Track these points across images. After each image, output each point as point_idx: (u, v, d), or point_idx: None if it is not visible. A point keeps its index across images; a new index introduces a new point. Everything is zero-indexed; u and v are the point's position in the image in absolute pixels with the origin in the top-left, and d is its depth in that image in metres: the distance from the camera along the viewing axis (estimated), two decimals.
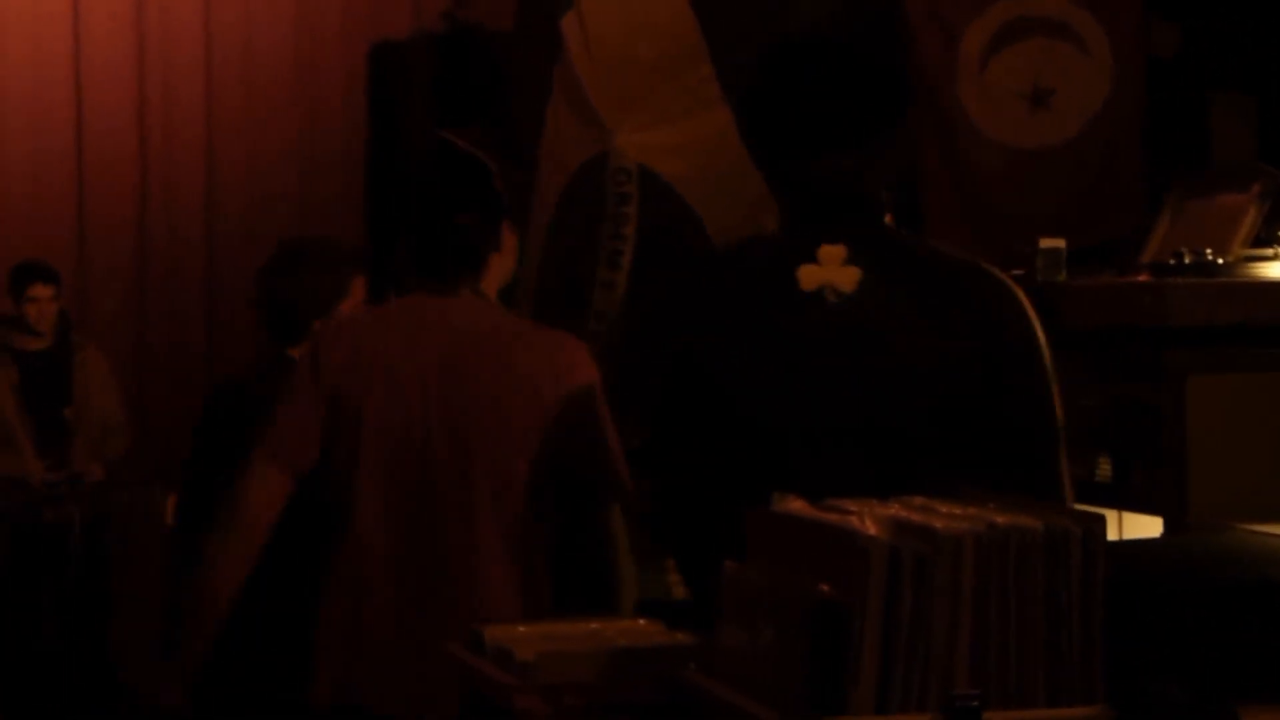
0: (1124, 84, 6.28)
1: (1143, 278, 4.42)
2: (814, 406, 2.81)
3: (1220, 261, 4.39)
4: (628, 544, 3.61)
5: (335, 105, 8.82)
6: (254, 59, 8.89)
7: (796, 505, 2.28)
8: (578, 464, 3.68)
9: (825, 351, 2.82)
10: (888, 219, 2.94)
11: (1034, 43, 6.28)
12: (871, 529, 2.12)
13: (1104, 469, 4.33)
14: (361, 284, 4.97)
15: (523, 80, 7.01)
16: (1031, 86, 6.26)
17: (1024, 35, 6.32)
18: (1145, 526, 4.21)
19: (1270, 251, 4.49)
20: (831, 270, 2.83)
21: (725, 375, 2.86)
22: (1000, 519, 2.13)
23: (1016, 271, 4.48)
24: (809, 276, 2.83)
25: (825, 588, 2.08)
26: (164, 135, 8.84)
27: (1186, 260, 4.38)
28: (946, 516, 2.16)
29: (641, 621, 2.71)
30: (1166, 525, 4.15)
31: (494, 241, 3.74)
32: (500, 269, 3.78)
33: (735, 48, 6.52)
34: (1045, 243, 4.50)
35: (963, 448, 2.79)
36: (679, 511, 3.03)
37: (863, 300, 2.81)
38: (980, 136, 6.27)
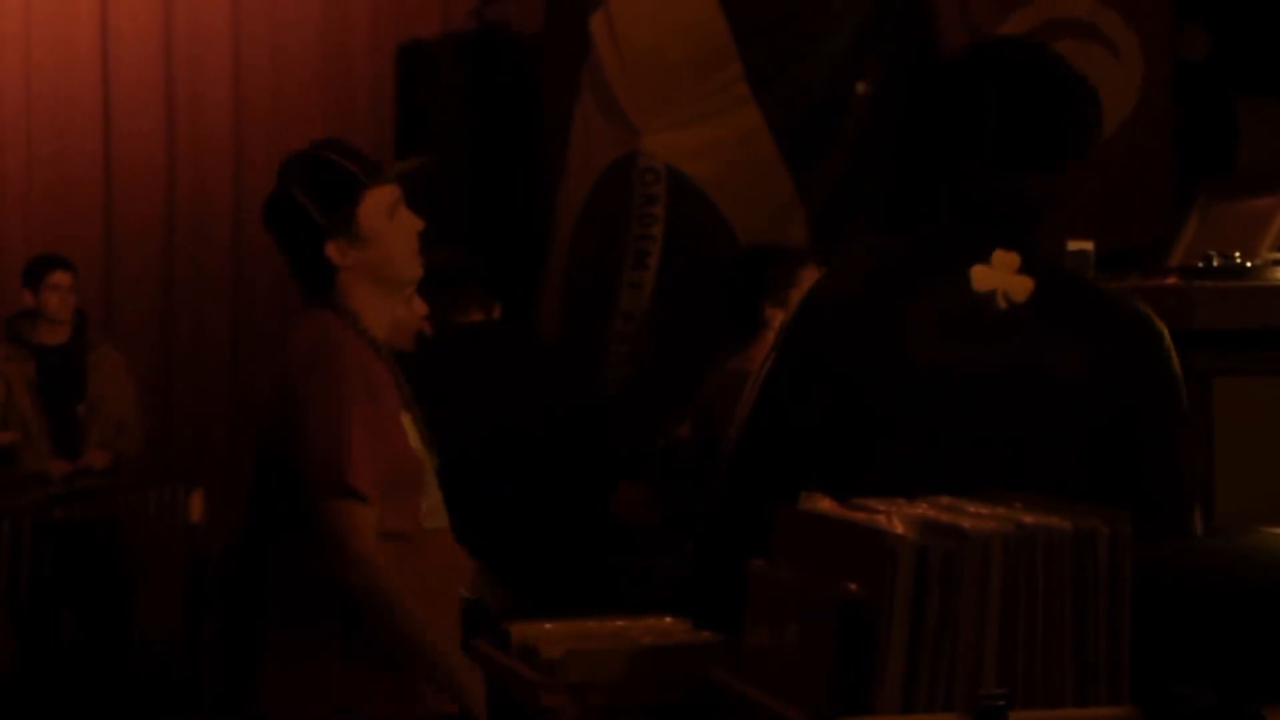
0: (1153, 87, 6.27)
1: (1170, 280, 4.41)
2: (963, 408, 2.77)
3: (1248, 265, 4.38)
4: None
5: (363, 106, 8.83)
6: (282, 60, 8.91)
7: (824, 504, 2.28)
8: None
9: (987, 356, 2.78)
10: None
11: (1063, 45, 6.23)
12: (899, 528, 2.12)
13: None
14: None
15: (551, 80, 7.03)
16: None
17: (1054, 37, 6.30)
18: None
19: None
20: (1005, 276, 2.79)
21: (877, 372, 2.80)
22: (1028, 518, 2.12)
23: None
24: (982, 277, 2.79)
25: (852, 586, 2.09)
26: (192, 136, 8.86)
27: (1214, 263, 4.37)
28: (974, 516, 2.16)
29: (668, 619, 2.71)
30: None
31: (322, 262, 3.71)
32: (357, 282, 3.74)
33: (765, 48, 6.52)
34: (1074, 244, 4.48)
35: (1092, 483, 2.76)
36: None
37: (1032, 312, 2.78)
38: None
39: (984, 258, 2.79)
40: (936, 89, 2.94)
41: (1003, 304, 2.78)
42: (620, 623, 2.70)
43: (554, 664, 2.47)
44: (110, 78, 8.75)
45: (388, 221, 3.70)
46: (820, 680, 2.09)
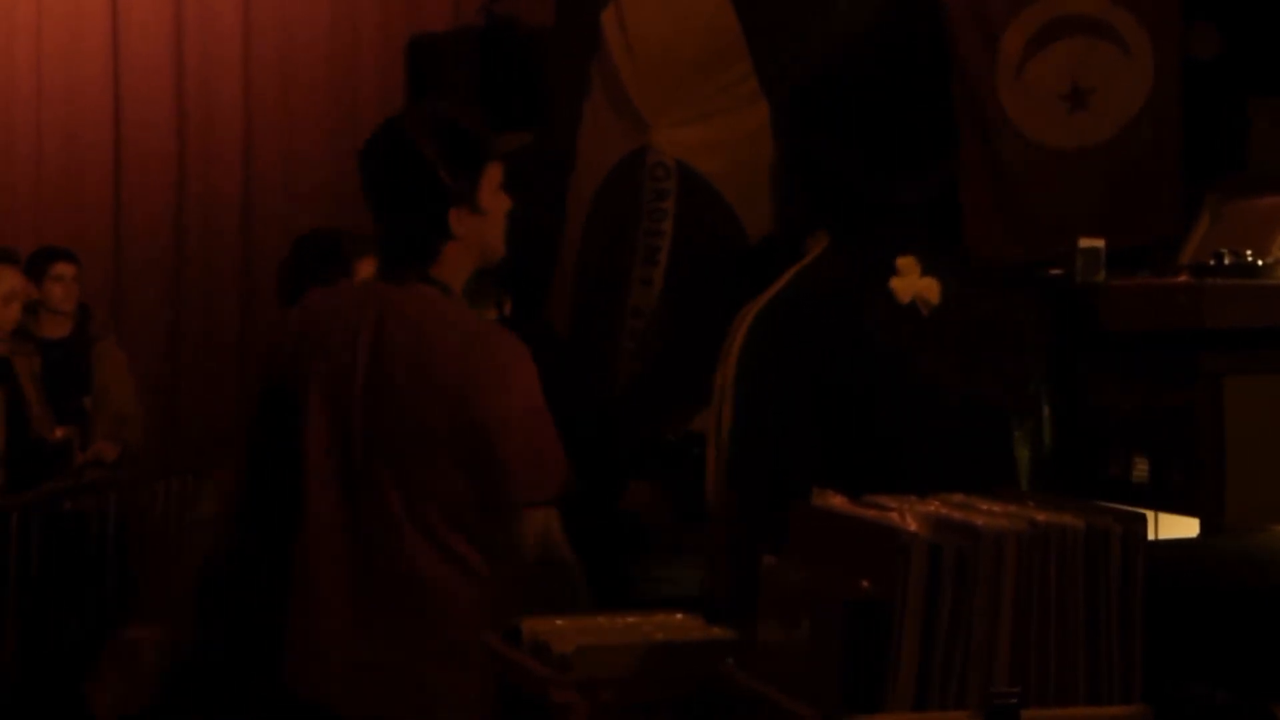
0: (1164, 85, 6.25)
1: (1181, 279, 4.41)
2: (927, 410, 2.82)
3: (1259, 263, 4.38)
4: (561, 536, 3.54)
5: (372, 100, 8.83)
6: (292, 53, 8.91)
7: (836, 500, 2.28)
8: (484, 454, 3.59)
9: (928, 360, 2.84)
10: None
11: (1074, 42, 6.25)
12: (912, 525, 2.12)
13: (1140, 470, 4.32)
14: (370, 264, 5.00)
15: (561, 75, 7.01)
16: (1071, 86, 6.23)
17: (1064, 35, 6.29)
18: (1181, 527, 4.20)
19: None
20: (915, 281, 2.85)
21: (851, 389, 2.87)
22: (1041, 517, 2.12)
23: (1055, 271, 4.47)
24: (904, 289, 2.85)
25: (864, 584, 2.08)
26: (201, 129, 8.87)
27: (1225, 262, 4.37)
28: (987, 514, 2.16)
29: (679, 616, 2.71)
30: (1203, 527, 4.13)
31: (441, 229, 3.61)
32: (463, 256, 3.66)
33: (775, 44, 6.51)
34: (1084, 243, 4.48)
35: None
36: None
37: (947, 310, 2.84)
38: (1019, 137, 6.24)
39: (890, 268, 2.86)
40: (817, 99, 3.05)
41: (924, 311, 2.84)
42: (631, 619, 2.70)
43: (565, 659, 2.47)
44: (120, 70, 8.76)
45: (498, 197, 3.63)
46: (832, 677, 2.09)
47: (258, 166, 8.80)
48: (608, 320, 6.54)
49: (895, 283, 2.87)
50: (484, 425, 3.47)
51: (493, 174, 3.62)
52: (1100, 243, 4.47)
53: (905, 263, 2.88)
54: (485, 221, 3.62)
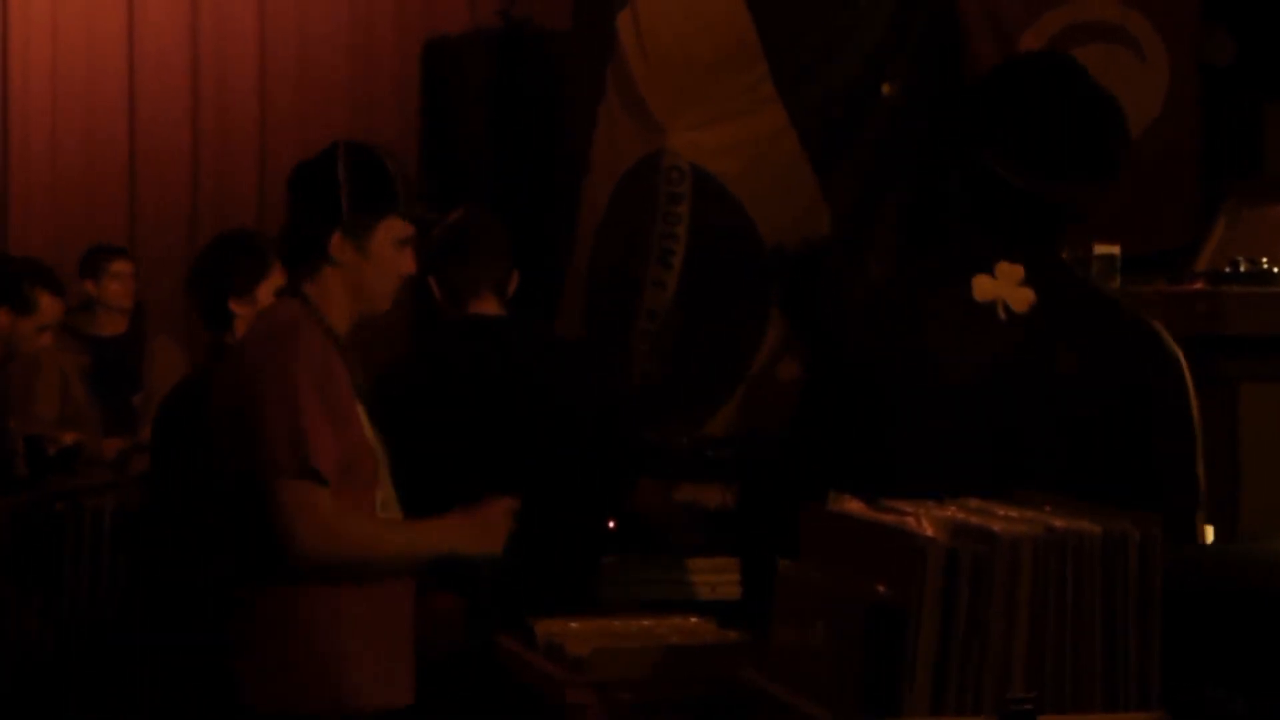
0: (1180, 91, 6.25)
1: (1197, 285, 4.40)
2: (962, 416, 2.78)
3: (1275, 270, 4.37)
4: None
5: (388, 101, 8.83)
6: (308, 54, 8.91)
7: (853, 505, 2.28)
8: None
9: (987, 367, 2.79)
10: (1064, 254, 2.93)
11: (1090, 48, 6.25)
12: (929, 530, 2.12)
13: None
14: (279, 268, 5.04)
15: (577, 78, 7.02)
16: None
17: (1080, 41, 6.29)
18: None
19: None
20: (1007, 287, 2.81)
21: (888, 377, 2.82)
22: (1058, 522, 2.12)
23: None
24: (983, 288, 2.81)
25: (881, 588, 2.08)
26: (217, 129, 8.87)
27: (1241, 268, 4.37)
28: (1004, 519, 2.15)
29: (693, 619, 2.71)
30: (1217, 533, 4.12)
31: (321, 248, 3.74)
32: (338, 287, 3.77)
33: (791, 47, 6.51)
34: (1100, 249, 4.48)
35: (1096, 484, 2.76)
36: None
37: (1032, 324, 2.79)
38: None
39: (988, 269, 2.81)
40: (967, 99, 2.96)
41: (1002, 315, 2.80)
42: (645, 622, 2.70)
43: (581, 661, 2.47)
44: (136, 69, 8.76)
45: (393, 251, 3.74)
46: (848, 682, 2.08)
47: (272, 167, 8.79)
48: (621, 322, 6.54)
49: (979, 280, 2.81)
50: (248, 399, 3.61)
51: (395, 226, 3.74)
52: (1115, 249, 4.47)
53: (1007, 268, 2.83)
54: (369, 265, 3.73)
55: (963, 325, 2.79)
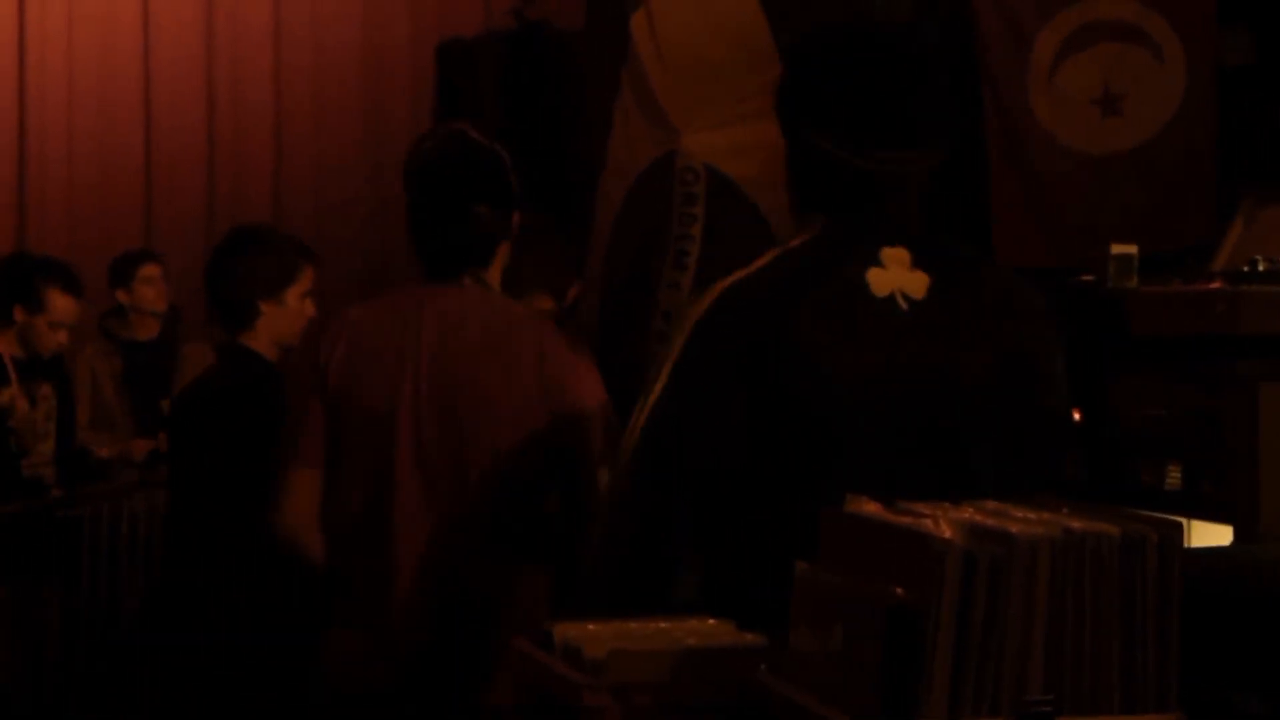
0: (1197, 90, 6.24)
1: (1215, 285, 4.39)
2: (885, 411, 2.79)
3: None
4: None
5: (403, 104, 8.84)
6: (322, 57, 8.92)
7: (869, 507, 2.28)
8: (567, 442, 3.69)
9: (898, 359, 2.80)
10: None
11: (1106, 48, 6.24)
12: (946, 532, 2.11)
13: (1173, 477, 4.31)
14: (311, 273, 5.04)
15: (592, 79, 7.02)
16: (1103, 92, 6.22)
17: (1096, 40, 6.28)
18: (1215, 535, 4.18)
19: None
20: (901, 275, 2.81)
21: (801, 381, 2.82)
22: (1076, 524, 2.11)
23: (1087, 277, 4.46)
24: (880, 281, 2.80)
25: (898, 590, 2.08)
26: (232, 135, 8.89)
27: (1260, 268, 4.36)
28: (1022, 521, 2.15)
29: (711, 621, 2.70)
30: (1236, 534, 4.12)
31: (505, 231, 3.77)
32: (506, 256, 3.83)
33: None
34: (1117, 249, 4.47)
35: (1001, 454, 2.80)
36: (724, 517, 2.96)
37: (931, 307, 2.80)
38: (1051, 142, 6.24)
39: (874, 258, 2.81)
40: (784, 76, 2.98)
41: (904, 305, 2.80)
42: (662, 624, 2.69)
43: (598, 664, 2.46)
44: (151, 76, 8.78)
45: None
46: (866, 685, 2.08)
47: (288, 171, 8.82)
48: (636, 324, 6.54)
49: (873, 274, 2.81)
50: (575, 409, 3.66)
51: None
52: (1133, 249, 4.46)
53: (893, 253, 2.82)
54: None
55: (863, 321, 2.80)
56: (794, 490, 2.77)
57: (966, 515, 2.19)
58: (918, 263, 2.81)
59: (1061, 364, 2.92)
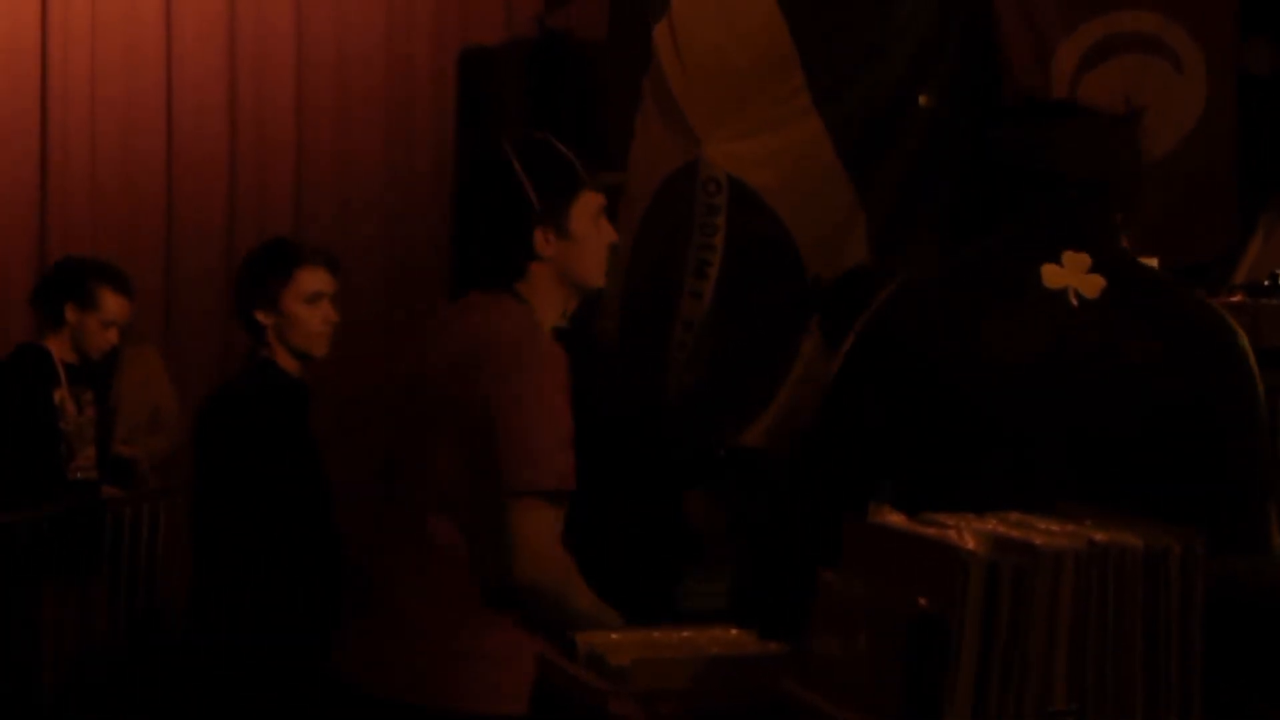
0: (1218, 102, 6.24)
1: (1236, 298, 4.40)
2: (1037, 406, 2.79)
3: None
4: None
5: (425, 111, 8.85)
6: (345, 64, 8.93)
7: (894, 517, 2.29)
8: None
9: (1060, 352, 2.79)
10: (1124, 241, 2.94)
11: (1127, 59, 6.25)
12: (970, 543, 2.12)
13: None
14: (314, 277, 5.05)
15: (614, 88, 7.04)
16: (1124, 103, 6.23)
17: (1117, 51, 6.29)
18: None
19: None
20: (1076, 275, 2.81)
21: (954, 368, 2.82)
22: (1100, 536, 2.13)
23: None
24: (1053, 275, 2.81)
25: (923, 600, 2.09)
26: (255, 140, 8.90)
27: None
28: (1045, 532, 2.16)
29: (733, 630, 2.71)
30: None
31: (525, 249, 3.69)
32: (549, 278, 3.73)
33: (828, 57, 6.52)
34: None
35: (1171, 479, 2.77)
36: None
37: (1104, 310, 2.80)
38: None
39: (1054, 259, 2.82)
40: (1008, 113, 3.00)
41: (1074, 300, 2.80)
42: (686, 633, 2.70)
43: (623, 672, 2.48)
44: (174, 79, 8.80)
45: (593, 226, 3.69)
46: (890, 694, 2.09)
47: (310, 176, 8.83)
48: (657, 332, 6.56)
49: (1049, 268, 2.82)
50: (484, 407, 3.50)
51: (587, 202, 3.69)
52: (1154, 261, 4.46)
53: (1073, 257, 2.83)
54: (574, 248, 3.68)
55: (1033, 314, 2.80)
56: (942, 482, 2.77)
57: (990, 526, 2.21)
58: (1097, 268, 2.82)
59: (1254, 400, 2.86)
